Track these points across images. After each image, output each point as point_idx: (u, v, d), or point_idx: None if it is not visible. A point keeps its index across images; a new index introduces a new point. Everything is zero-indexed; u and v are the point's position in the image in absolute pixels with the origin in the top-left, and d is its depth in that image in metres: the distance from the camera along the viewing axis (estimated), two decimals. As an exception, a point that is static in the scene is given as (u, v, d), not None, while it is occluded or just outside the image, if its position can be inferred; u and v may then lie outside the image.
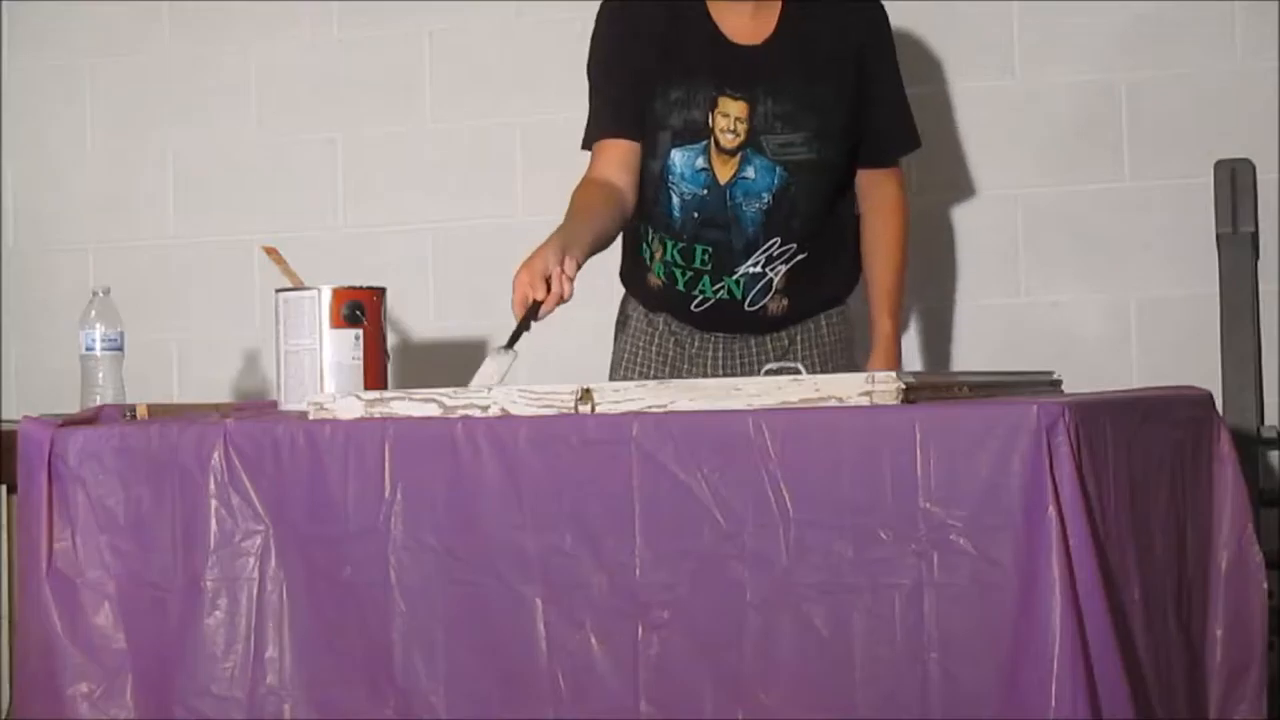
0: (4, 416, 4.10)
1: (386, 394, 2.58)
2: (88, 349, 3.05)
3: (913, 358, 3.83)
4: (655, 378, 3.26)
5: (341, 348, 2.82)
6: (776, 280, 3.17)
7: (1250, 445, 3.22)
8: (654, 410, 2.37)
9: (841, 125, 3.13)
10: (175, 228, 4.46)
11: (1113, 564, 2.22)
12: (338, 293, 2.82)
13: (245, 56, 4.39)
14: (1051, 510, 2.12)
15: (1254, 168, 3.40)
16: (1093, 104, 3.76)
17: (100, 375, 3.04)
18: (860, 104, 3.16)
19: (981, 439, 2.17)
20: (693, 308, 3.21)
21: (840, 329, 3.32)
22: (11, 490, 3.19)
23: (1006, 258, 3.81)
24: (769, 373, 2.46)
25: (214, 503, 2.55)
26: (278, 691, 2.50)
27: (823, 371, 3.20)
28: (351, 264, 4.14)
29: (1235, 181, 3.39)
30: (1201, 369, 3.25)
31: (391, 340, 2.96)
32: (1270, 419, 3.43)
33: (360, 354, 2.82)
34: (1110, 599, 2.15)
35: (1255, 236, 3.39)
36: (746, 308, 3.19)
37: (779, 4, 3.14)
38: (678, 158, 3.12)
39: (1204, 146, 3.60)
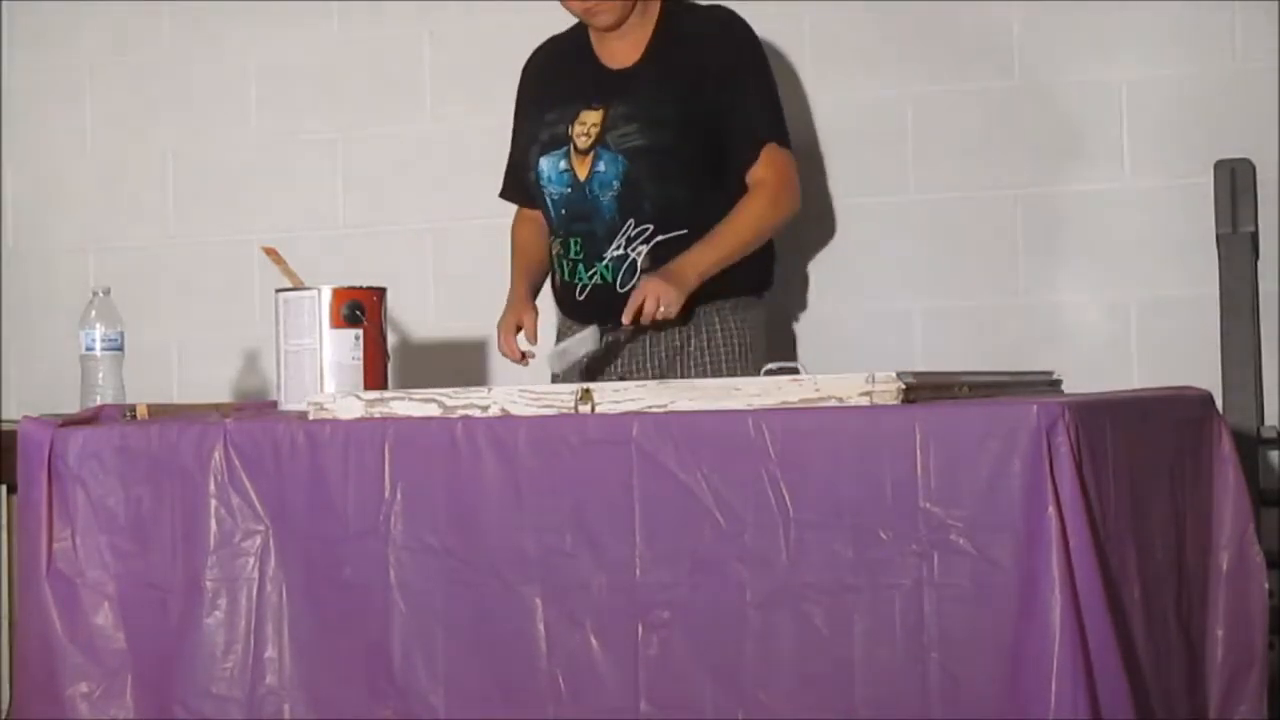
0: (4, 416, 4.10)
1: (386, 394, 2.59)
2: (88, 349, 3.05)
3: (913, 357, 3.83)
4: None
5: (341, 348, 2.81)
6: (640, 260, 3.35)
7: (1250, 445, 3.22)
8: (654, 410, 2.37)
9: (677, 115, 3.36)
10: (175, 228, 4.46)
11: (1113, 564, 2.22)
12: (338, 293, 2.82)
13: (245, 56, 4.39)
14: (1051, 510, 2.12)
15: (1254, 168, 3.40)
16: (1093, 104, 3.76)
17: (100, 375, 3.03)
18: (717, 110, 3.37)
19: (981, 439, 2.17)
20: (577, 297, 3.43)
21: (741, 332, 3.41)
22: (11, 490, 3.19)
23: (1006, 258, 3.81)
24: (769, 373, 2.46)
25: (214, 503, 2.55)
26: (278, 691, 2.50)
27: (715, 372, 3.33)
28: (351, 264, 4.14)
29: (1235, 181, 3.39)
30: (1201, 369, 3.25)
31: (391, 340, 2.96)
32: (1270, 419, 3.43)
33: (360, 354, 2.82)
34: (1110, 599, 2.15)
35: (1255, 236, 3.39)
36: (619, 290, 3.35)
37: (651, 30, 3.44)
38: (545, 164, 3.45)
39: (1204, 146, 3.60)
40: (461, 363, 4.13)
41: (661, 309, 3.19)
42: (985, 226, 3.83)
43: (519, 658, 2.37)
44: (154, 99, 4.47)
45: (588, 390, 2.42)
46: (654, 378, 3.28)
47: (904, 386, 2.28)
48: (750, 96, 3.42)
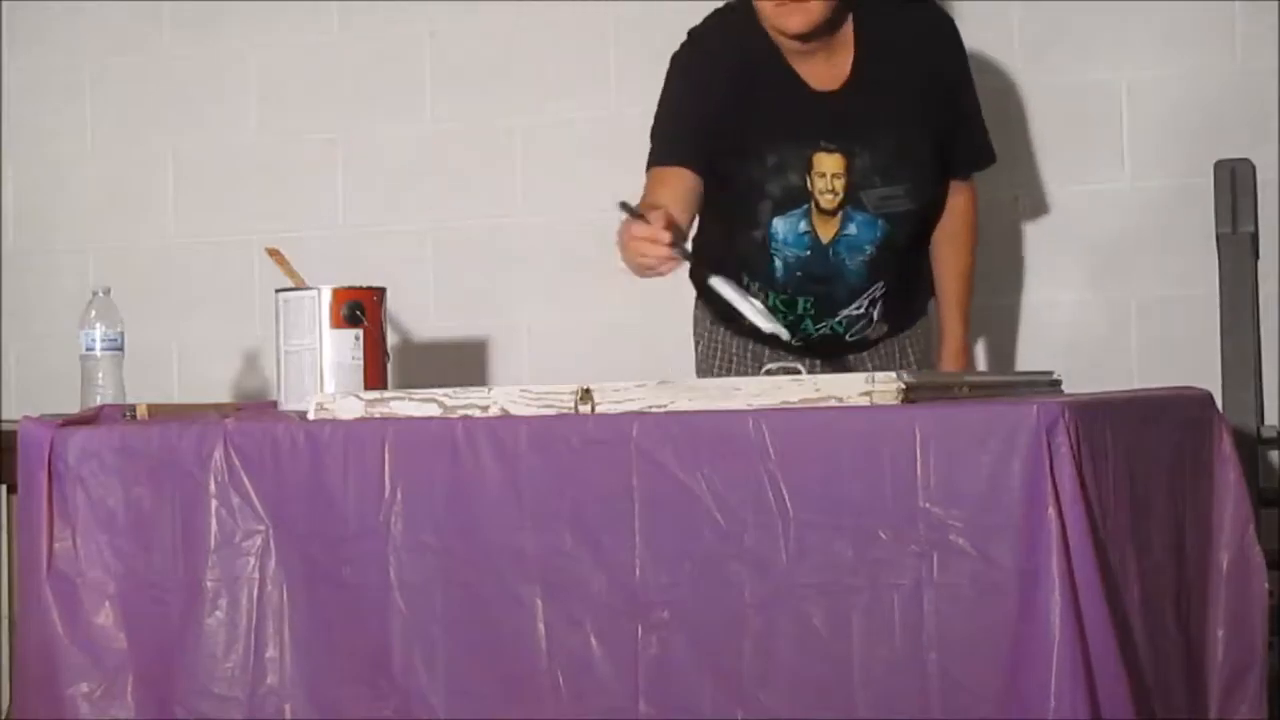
0: (4, 416, 4.10)
1: (386, 394, 2.59)
2: (88, 349, 3.05)
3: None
4: (739, 371, 3.28)
5: (341, 348, 2.81)
6: (876, 315, 3.22)
7: (1250, 445, 3.22)
8: (654, 410, 2.37)
9: (929, 165, 3.15)
10: (175, 228, 4.46)
11: (1113, 564, 2.22)
12: (338, 293, 2.82)
13: (245, 56, 4.39)
14: (1051, 510, 2.12)
15: (1254, 168, 3.40)
16: (1093, 104, 3.76)
17: (100, 375, 3.03)
18: (943, 130, 3.17)
19: (981, 439, 2.17)
20: (793, 342, 3.14)
21: (922, 346, 3.38)
22: (11, 490, 3.19)
23: (1006, 258, 3.81)
24: (769, 372, 2.46)
25: (214, 503, 2.55)
26: (278, 691, 2.50)
27: None
28: (351, 264, 4.14)
29: (1235, 181, 3.38)
30: (1201, 369, 3.25)
31: (391, 340, 2.96)
32: (1270, 419, 3.43)
33: (360, 354, 2.82)
34: (1110, 599, 2.15)
35: (1255, 236, 3.39)
36: (847, 339, 3.24)
37: (850, 41, 3.09)
38: (780, 226, 3.10)
39: (1204, 146, 3.60)
40: (461, 363, 4.13)
41: None
42: (985, 226, 3.83)
43: (519, 658, 2.37)
44: (154, 99, 4.47)
45: (588, 390, 2.42)
46: None
47: (904, 386, 2.28)
48: (974, 115, 3.24)
